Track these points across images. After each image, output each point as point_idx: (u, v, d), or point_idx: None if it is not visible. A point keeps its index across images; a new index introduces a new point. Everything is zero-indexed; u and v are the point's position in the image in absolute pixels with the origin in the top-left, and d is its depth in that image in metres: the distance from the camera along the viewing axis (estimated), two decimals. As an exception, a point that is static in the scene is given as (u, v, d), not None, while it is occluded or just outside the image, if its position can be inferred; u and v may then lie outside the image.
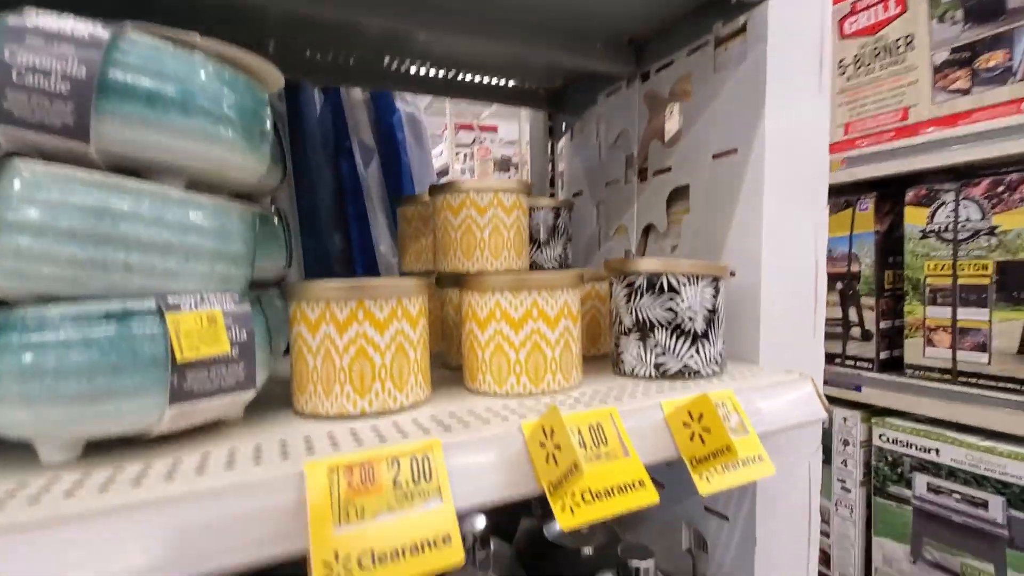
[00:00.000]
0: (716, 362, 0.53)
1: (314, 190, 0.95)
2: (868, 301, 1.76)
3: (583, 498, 0.36)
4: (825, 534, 1.91)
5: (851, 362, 1.81)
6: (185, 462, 0.34)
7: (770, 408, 0.49)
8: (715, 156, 0.64)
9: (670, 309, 0.51)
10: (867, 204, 1.71)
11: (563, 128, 0.98)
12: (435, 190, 0.62)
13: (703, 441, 0.40)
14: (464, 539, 0.66)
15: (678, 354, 0.51)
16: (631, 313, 0.53)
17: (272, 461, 0.34)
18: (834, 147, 1.83)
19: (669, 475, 0.74)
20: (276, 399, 0.50)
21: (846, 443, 1.84)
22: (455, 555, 0.32)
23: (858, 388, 1.79)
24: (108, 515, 0.28)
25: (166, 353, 0.34)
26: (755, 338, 0.59)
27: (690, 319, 0.51)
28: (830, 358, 1.87)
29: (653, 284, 0.51)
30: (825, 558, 1.91)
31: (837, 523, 1.86)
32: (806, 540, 0.64)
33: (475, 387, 0.50)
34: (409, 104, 1.09)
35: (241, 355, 0.38)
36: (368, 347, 0.42)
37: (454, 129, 4.77)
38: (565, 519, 0.35)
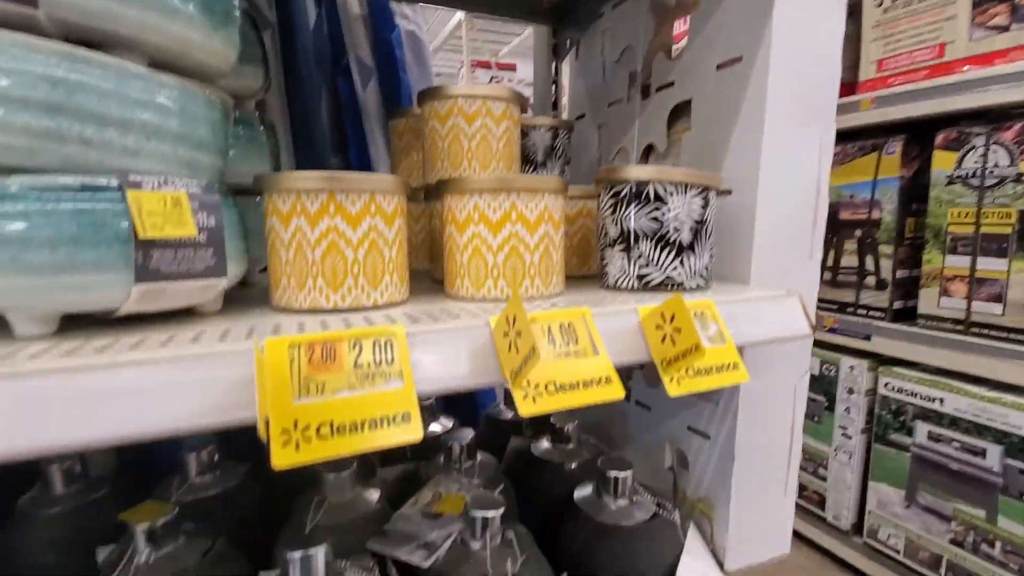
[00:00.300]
0: (701, 275, 0.52)
1: (309, 109, 0.92)
2: (886, 249, 1.71)
3: (546, 389, 0.36)
4: (822, 478, 1.95)
5: (863, 311, 1.79)
6: (152, 338, 0.34)
7: (752, 320, 0.48)
8: (719, 66, 0.61)
9: (655, 219, 0.50)
10: (894, 147, 1.63)
11: (567, 45, 0.93)
12: (423, 96, 0.59)
13: (674, 342, 0.40)
14: (451, 449, 0.68)
15: (661, 265, 0.50)
16: (616, 224, 0.52)
17: (237, 340, 0.34)
18: (865, 85, 1.73)
19: (654, 397, 0.75)
20: (255, 302, 0.51)
21: (851, 391, 1.85)
22: (415, 432, 0.33)
23: (867, 337, 1.78)
24: (71, 373, 0.28)
25: (129, 230, 0.34)
26: (747, 259, 0.58)
27: (676, 230, 0.50)
28: (842, 307, 1.85)
29: (640, 193, 0.50)
30: (820, 500, 1.96)
31: (835, 468, 1.89)
32: (786, 461, 0.65)
33: (454, 292, 0.50)
34: (410, 21, 1.04)
35: (209, 241, 0.38)
36: (340, 241, 0.42)
37: (470, 67, 4.60)
38: (526, 407, 0.35)
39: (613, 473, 0.59)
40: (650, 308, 0.42)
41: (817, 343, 1.94)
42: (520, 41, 4.20)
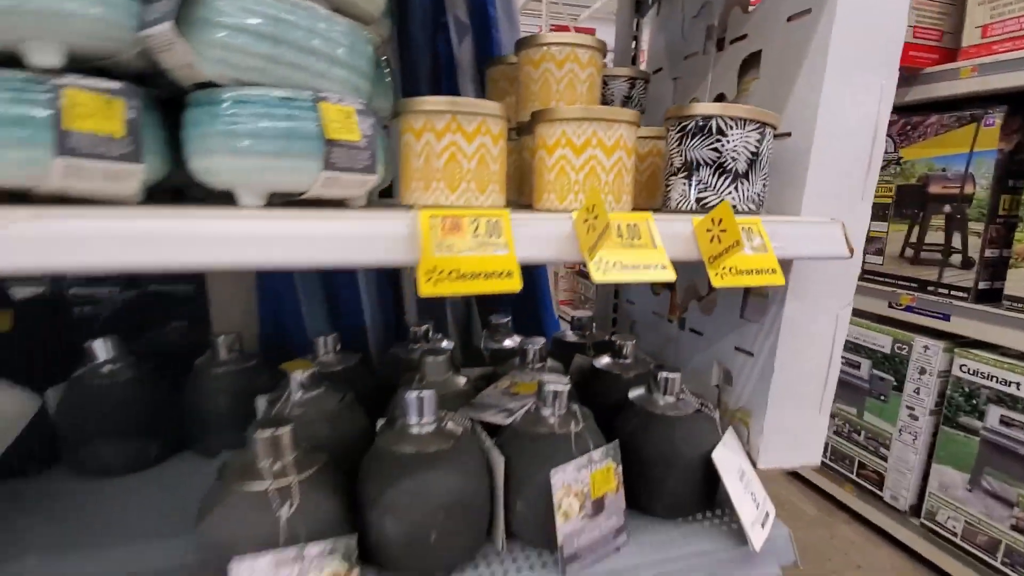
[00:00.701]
0: (753, 201, 0.60)
1: (418, 64, 1.05)
2: (976, 227, 1.66)
3: (614, 265, 0.47)
4: (882, 457, 1.95)
5: (944, 290, 1.75)
6: (332, 214, 0.48)
7: (794, 238, 0.56)
8: (789, 18, 0.67)
9: (715, 149, 0.58)
10: (994, 119, 1.57)
11: (649, 3, 0.99)
12: (520, 45, 0.70)
13: (720, 240, 0.49)
14: (526, 352, 0.81)
15: (718, 190, 0.59)
16: (681, 154, 0.61)
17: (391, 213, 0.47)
18: (967, 52, 1.66)
19: (707, 324, 0.84)
20: (386, 205, 0.64)
21: (922, 371, 1.82)
22: (515, 284, 0.45)
23: (946, 317, 1.74)
24: (289, 220, 0.42)
25: (319, 131, 0.47)
26: (799, 196, 0.65)
27: (733, 159, 0.58)
28: (923, 285, 1.81)
29: (703, 127, 0.58)
30: (879, 479, 1.96)
31: (897, 448, 1.89)
32: (823, 382, 0.72)
33: (541, 205, 0.61)
34: (501, -19, 1.13)
35: (368, 146, 0.51)
36: (458, 154, 0.54)
37: (549, 32, 4.60)
38: (598, 275, 0.46)
39: (663, 374, 0.70)
40: (702, 217, 0.52)
41: (890, 321, 1.91)
42: (599, 6, 4.15)
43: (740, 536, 0.66)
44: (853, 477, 2.03)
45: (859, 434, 2.04)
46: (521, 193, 0.76)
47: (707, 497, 0.70)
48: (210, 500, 0.51)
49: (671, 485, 0.68)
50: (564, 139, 0.57)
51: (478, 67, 1.12)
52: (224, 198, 0.49)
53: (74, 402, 0.76)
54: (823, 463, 2.13)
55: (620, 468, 0.63)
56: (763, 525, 0.65)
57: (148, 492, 0.74)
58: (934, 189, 1.77)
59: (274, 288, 0.95)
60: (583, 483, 0.59)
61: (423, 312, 1.06)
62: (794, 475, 2.25)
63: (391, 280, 1.04)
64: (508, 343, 0.96)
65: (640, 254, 0.49)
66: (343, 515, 0.54)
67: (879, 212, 1.92)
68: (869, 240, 1.96)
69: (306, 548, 0.49)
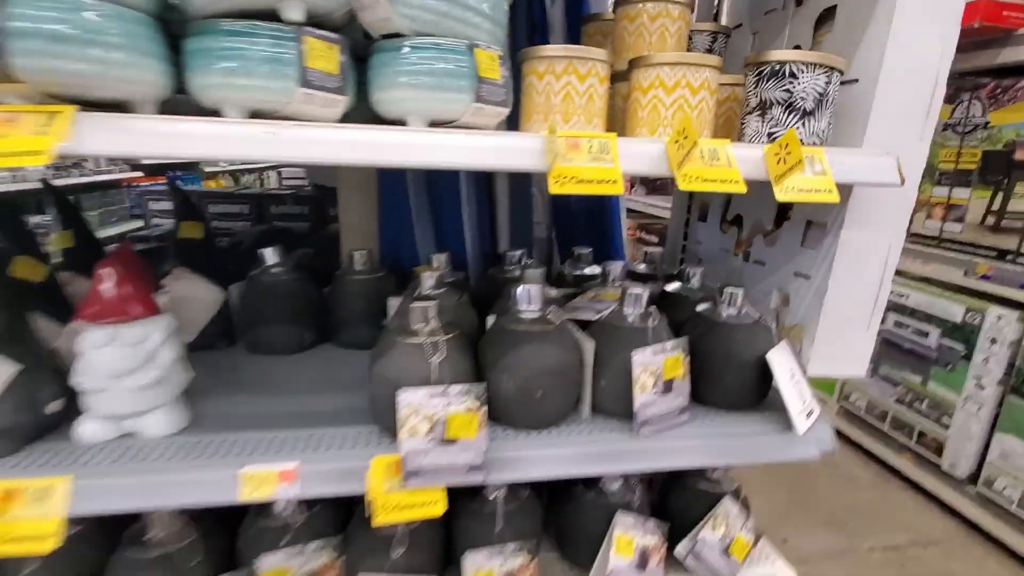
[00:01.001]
0: (818, 136, 0.71)
1: (517, 24, 1.18)
2: (1061, 196, 1.63)
3: (696, 178, 0.60)
4: (944, 426, 1.97)
5: (1024, 260, 1.74)
6: (482, 132, 0.63)
7: (851, 166, 0.67)
8: (865, -25, 0.75)
9: (787, 90, 0.69)
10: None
11: (733, -38, 1.07)
12: (618, 2, 0.82)
13: (785, 162, 0.61)
14: (608, 273, 0.95)
15: (788, 126, 0.70)
16: (757, 95, 0.72)
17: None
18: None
19: (769, 255, 0.95)
20: (504, 138, 0.79)
21: (993, 341, 1.83)
22: (618, 188, 0.59)
23: (1023, 287, 1.73)
24: (451, 135, 0.58)
25: (473, 71, 0.62)
26: (861, 136, 0.74)
27: (802, 99, 0.69)
28: (1003, 254, 1.80)
29: (777, 71, 0.69)
30: (938, 447, 1.99)
31: (960, 418, 1.91)
32: (872, 303, 0.82)
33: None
34: (591, -56, 1.23)
35: (504, 85, 0.66)
36: (572, 92, 0.68)
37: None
38: (684, 184, 0.60)
39: (728, 289, 0.82)
40: (771, 144, 0.64)
41: (965, 291, 1.90)
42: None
43: (788, 425, 0.78)
44: (912, 445, 2.06)
45: (921, 403, 2.06)
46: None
47: (760, 395, 0.83)
48: (380, 350, 0.70)
49: (729, 381, 0.81)
50: (658, 81, 0.69)
51: (567, 24, 1.24)
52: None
53: (250, 296, 0.97)
54: (881, 431, 2.17)
55: (688, 359, 0.77)
56: (808, 417, 0.78)
57: (305, 366, 0.95)
58: (1021, 155, 1.73)
59: (393, 219, 1.13)
60: (657, 365, 0.73)
61: (514, 245, 1.22)
62: (850, 442, 2.29)
63: (489, 216, 1.20)
64: (589, 270, 1.11)
65: (718, 171, 0.61)
66: (473, 370, 0.72)
67: (963, 179, 1.89)
68: (950, 208, 1.94)
69: (450, 387, 0.66)
